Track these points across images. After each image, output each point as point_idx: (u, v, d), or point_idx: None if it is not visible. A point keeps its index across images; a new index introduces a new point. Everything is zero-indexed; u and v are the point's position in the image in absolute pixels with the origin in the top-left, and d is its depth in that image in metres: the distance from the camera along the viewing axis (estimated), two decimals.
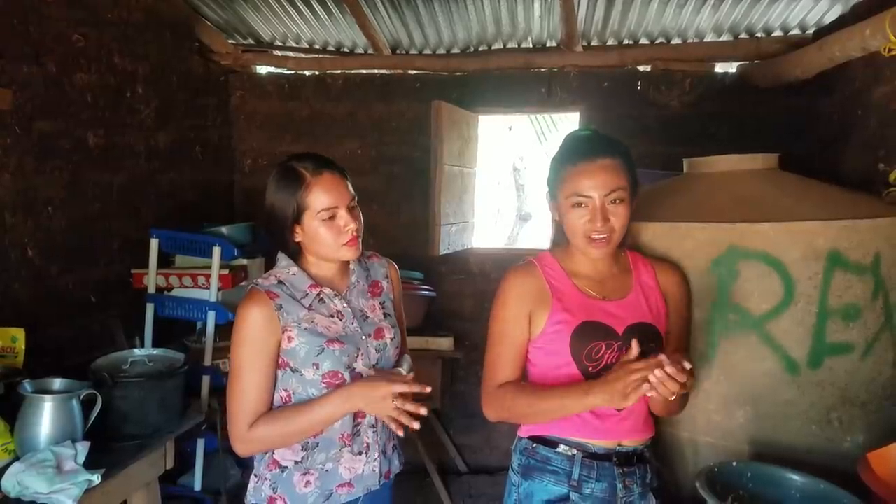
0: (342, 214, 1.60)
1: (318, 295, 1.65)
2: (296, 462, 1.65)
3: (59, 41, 2.70)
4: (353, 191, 1.64)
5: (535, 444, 1.69)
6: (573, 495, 1.63)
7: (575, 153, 1.63)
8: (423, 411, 1.56)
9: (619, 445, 1.65)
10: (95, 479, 1.89)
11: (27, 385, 2.00)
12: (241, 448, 1.61)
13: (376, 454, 1.71)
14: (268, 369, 1.61)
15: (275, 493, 1.65)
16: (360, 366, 1.65)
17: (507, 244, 8.52)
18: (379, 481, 1.72)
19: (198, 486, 3.03)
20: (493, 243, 8.00)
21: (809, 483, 1.67)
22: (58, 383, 2.08)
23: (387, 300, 1.80)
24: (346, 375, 1.62)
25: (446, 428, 4.17)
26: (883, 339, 1.84)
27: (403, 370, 1.70)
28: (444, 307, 4.04)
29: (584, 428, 1.63)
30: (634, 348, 1.47)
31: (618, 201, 1.58)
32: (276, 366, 1.62)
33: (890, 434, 1.78)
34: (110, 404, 2.18)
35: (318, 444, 1.64)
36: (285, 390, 1.64)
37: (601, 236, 1.58)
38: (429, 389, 1.58)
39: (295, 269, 1.67)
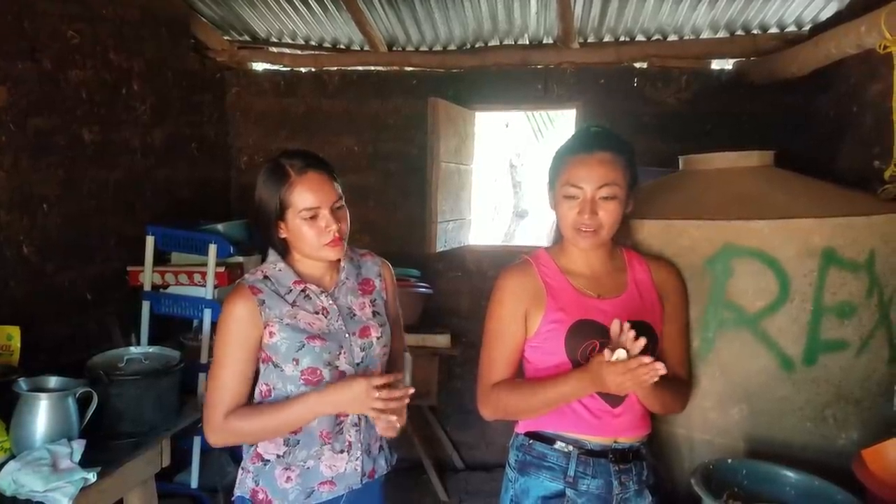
0: (324, 215, 1.60)
1: (303, 291, 1.67)
2: (278, 456, 1.66)
3: (54, 37, 2.68)
4: (340, 191, 1.64)
5: (531, 441, 1.69)
6: (569, 492, 1.63)
7: (575, 145, 1.66)
8: (411, 390, 1.56)
9: (616, 442, 1.65)
10: (91, 477, 1.89)
11: (23, 383, 2.01)
12: (212, 437, 1.63)
13: (358, 453, 1.71)
14: (246, 363, 1.63)
15: (257, 485, 1.67)
16: (343, 363, 1.65)
17: (503, 241, 8.53)
18: (361, 480, 1.72)
19: (194, 484, 3.02)
20: (489, 240, 8.00)
21: (804, 480, 1.68)
22: (53, 381, 2.08)
23: (378, 298, 1.80)
24: (326, 372, 1.63)
25: (443, 424, 4.17)
26: (877, 337, 1.84)
27: (406, 374, 1.71)
28: (441, 304, 4.04)
29: (580, 424, 1.63)
30: (615, 326, 1.48)
31: (609, 197, 1.58)
32: (257, 360, 1.65)
33: (884, 431, 1.78)
34: (106, 402, 2.18)
35: (298, 440, 1.66)
36: (266, 384, 1.66)
37: (588, 229, 1.59)
38: (412, 391, 1.58)
39: (281, 264, 1.68)
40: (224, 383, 1.62)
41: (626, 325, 1.46)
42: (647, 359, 1.41)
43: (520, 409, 1.67)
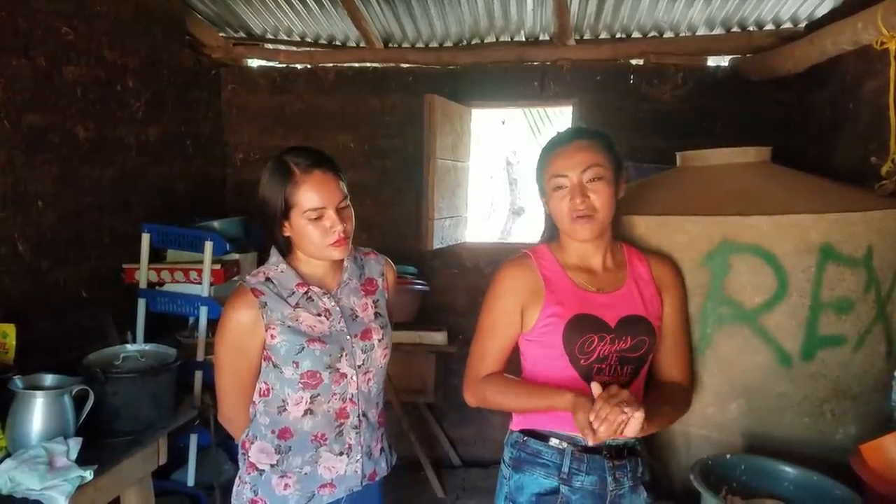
0: (330, 215, 1.58)
1: (306, 293, 1.65)
2: (271, 465, 1.66)
3: (48, 34, 2.67)
4: (345, 190, 1.62)
5: (526, 438, 1.70)
6: (563, 488, 1.63)
7: (552, 142, 1.70)
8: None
9: (610, 439, 1.65)
10: (88, 475, 1.88)
11: (18, 381, 1.99)
12: (228, 425, 1.77)
13: (359, 455, 1.71)
14: (248, 372, 1.65)
15: (256, 495, 1.66)
16: (344, 366, 1.64)
17: (500, 238, 8.51)
18: (361, 482, 1.72)
19: (191, 482, 3.02)
20: (486, 237, 7.99)
21: (802, 475, 1.68)
22: (49, 379, 2.07)
23: (381, 298, 1.78)
24: (326, 375, 1.62)
25: (440, 421, 4.17)
26: (875, 332, 1.85)
27: None
28: (438, 301, 4.04)
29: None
30: (595, 389, 1.45)
31: (596, 179, 1.60)
32: (260, 361, 1.65)
33: (882, 426, 1.79)
34: (102, 400, 2.17)
35: (290, 447, 1.65)
36: (265, 383, 1.65)
37: (582, 214, 1.60)
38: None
39: (283, 266, 1.66)
40: (228, 394, 1.68)
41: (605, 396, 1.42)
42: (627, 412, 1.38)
43: (503, 408, 1.72)
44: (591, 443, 1.42)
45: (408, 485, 3.81)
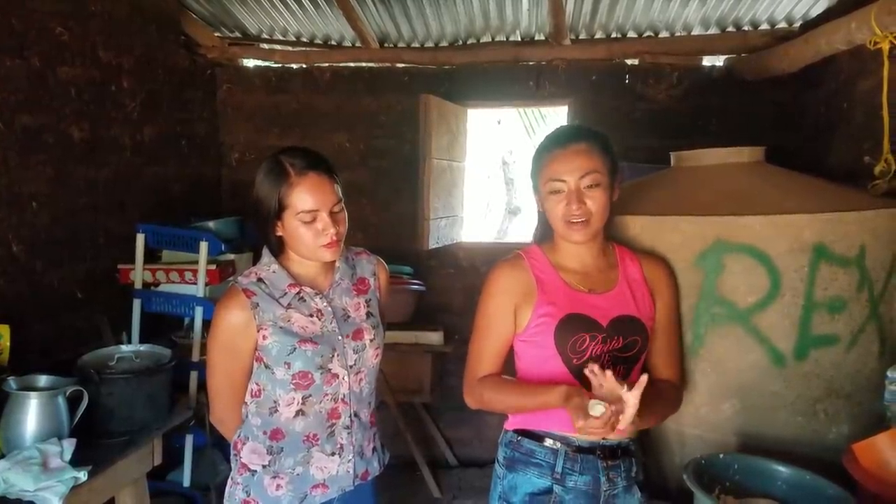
0: (323, 217, 1.57)
1: (298, 293, 1.65)
2: (263, 466, 1.66)
3: (42, 34, 2.66)
4: (339, 193, 1.62)
5: (519, 437, 1.70)
6: (556, 488, 1.63)
7: (550, 142, 1.68)
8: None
9: (604, 439, 1.65)
10: (82, 476, 1.88)
11: (12, 382, 1.99)
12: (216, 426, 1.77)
13: (351, 455, 1.70)
14: (240, 372, 1.65)
15: (248, 496, 1.66)
16: (336, 367, 1.64)
17: (496, 238, 8.52)
18: (353, 482, 1.72)
19: (186, 482, 3.01)
20: (482, 237, 8.00)
21: (795, 474, 1.69)
22: (43, 380, 2.07)
23: (373, 298, 1.78)
24: (318, 376, 1.62)
25: (436, 421, 4.17)
26: (868, 331, 1.85)
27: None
28: (434, 301, 4.03)
29: (569, 422, 1.63)
30: (595, 367, 1.46)
31: (593, 185, 1.60)
32: (252, 362, 1.64)
33: (874, 425, 1.79)
34: (97, 401, 2.17)
35: (282, 448, 1.65)
36: (256, 384, 1.65)
37: (578, 220, 1.60)
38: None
39: (275, 266, 1.66)
40: (219, 393, 1.68)
41: (609, 374, 1.42)
42: (627, 407, 1.38)
43: (502, 408, 1.72)
44: (581, 425, 1.39)
45: (404, 485, 3.80)
